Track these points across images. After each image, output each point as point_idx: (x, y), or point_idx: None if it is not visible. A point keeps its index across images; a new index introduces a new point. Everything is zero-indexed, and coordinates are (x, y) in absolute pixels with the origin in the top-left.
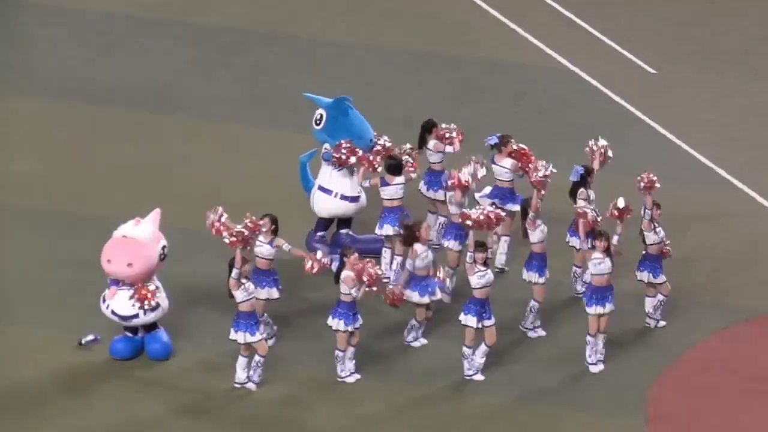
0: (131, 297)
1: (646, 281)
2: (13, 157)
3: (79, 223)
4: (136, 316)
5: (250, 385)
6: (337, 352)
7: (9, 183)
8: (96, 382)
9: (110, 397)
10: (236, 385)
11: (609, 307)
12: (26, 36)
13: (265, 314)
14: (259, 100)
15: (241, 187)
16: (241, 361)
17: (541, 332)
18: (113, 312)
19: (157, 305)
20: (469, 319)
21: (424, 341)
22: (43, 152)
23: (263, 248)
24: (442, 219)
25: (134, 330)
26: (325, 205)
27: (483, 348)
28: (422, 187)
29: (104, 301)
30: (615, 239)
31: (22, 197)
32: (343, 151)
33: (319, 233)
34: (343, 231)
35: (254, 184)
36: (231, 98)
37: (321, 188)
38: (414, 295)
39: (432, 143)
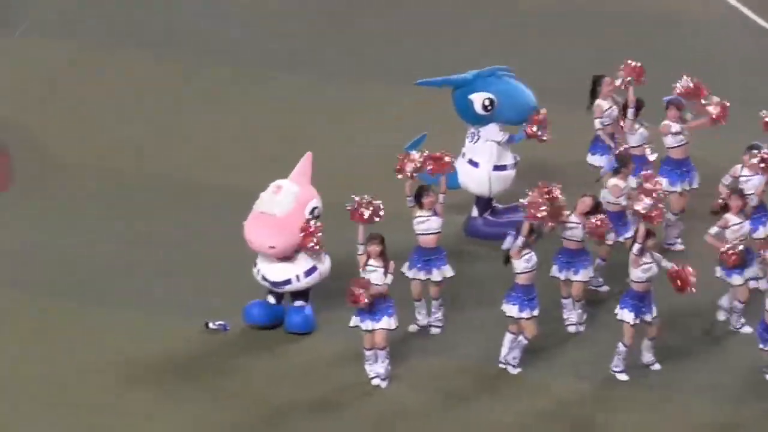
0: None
1: None
2: (127, 120)
3: (201, 191)
4: (288, 281)
5: (511, 369)
6: (517, 337)
7: (123, 147)
8: (218, 375)
9: (239, 387)
10: (504, 367)
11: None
12: None
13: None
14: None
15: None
16: (509, 337)
17: (747, 329)
18: (264, 278)
19: (313, 269)
20: (625, 314)
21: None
22: (158, 115)
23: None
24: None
25: (278, 296)
26: (502, 182)
27: (646, 342)
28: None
29: (255, 263)
30: None
31: (138, 163)
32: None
33: (487, 215)
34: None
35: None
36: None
37: (496, 167)
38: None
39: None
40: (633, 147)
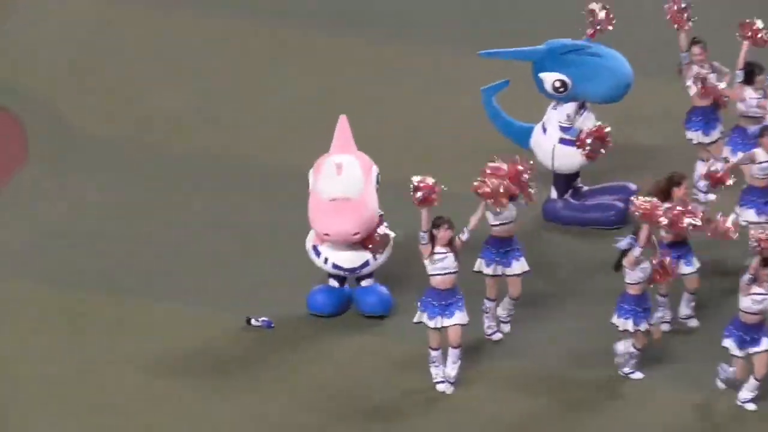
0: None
1: None
2: (164, 90)
3: (242, 169)
4: (367, 264)
5: (637, 375)
6: (622, 349)
7: (159, 119)
8: (265, 376)
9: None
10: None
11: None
12: None
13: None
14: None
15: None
16: (621, 346)
17: None
18: (336, 266)
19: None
20: (730, 344)
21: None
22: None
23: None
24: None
25: (341, 279)
26: (568, 159)
27: (753, 382)
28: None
29: (317, 252)
30: None
31: (174, 137)
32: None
33: (568, 197)
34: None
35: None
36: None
37: (564, 141)
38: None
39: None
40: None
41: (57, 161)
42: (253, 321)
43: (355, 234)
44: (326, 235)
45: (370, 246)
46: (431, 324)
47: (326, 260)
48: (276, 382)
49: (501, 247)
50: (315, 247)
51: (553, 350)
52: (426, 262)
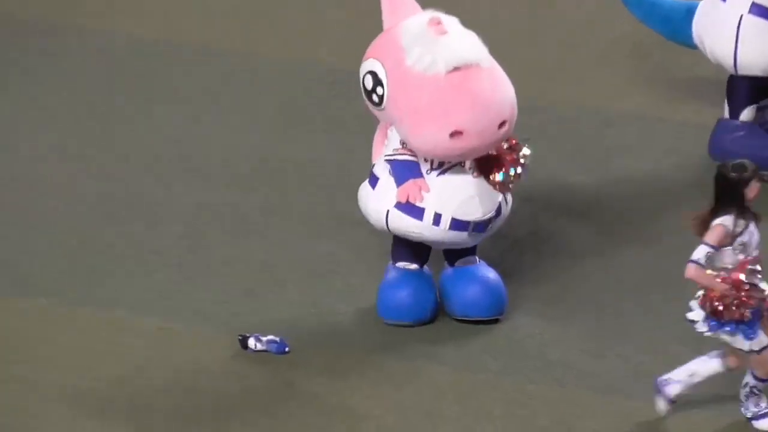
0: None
1: None
2: None
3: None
4: (499, 212)
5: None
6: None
7: None
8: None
9: None
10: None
11: None
12: None
13: None
14: None
15: None
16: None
17: None
18: (457, 222)
19: None
20: None
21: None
22: None
23: None
24: None
25: (421, 258)
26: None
27: None
28: None
29: (412, 210)
30: None
31: None
32: None
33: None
34: None
35: None
36: None
37: (758, 8)
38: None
39: None
40: None
41: None
42: (252, 343)
43: (502, 124)
44: (456, 135)
45: (503, 173)
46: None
47: (437, 217)
48: None
49: None
50: (407, 206)
51: None
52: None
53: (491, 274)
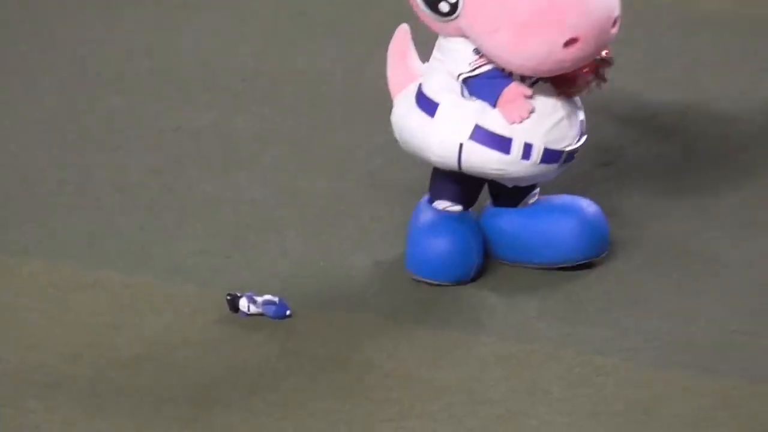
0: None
1: None
2: None
3: None
4: (580, 137)
5: None
6: None
7: None
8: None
9: None
10: None
11: None
12: None
13: None
14: None
15: None
16: None
17: None
18: (550, 153)
19: None
20: None
21: None
22: None
23: None
24: None
25: (467, 198)
26: None
27: None
28: None
29: (499, 141)
30: None
31: None
32: None
33: None
34: None
35: None
36: None
37: None
38: None
39: None
40: None
41: None
42: (244, 304)
43: (614, 23)
44: (571, 43)
45: (580, 86)
46: None
47: (527, 149)
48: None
49: None
50: (488, 136)
51: None
52: None
53: (583, 203)
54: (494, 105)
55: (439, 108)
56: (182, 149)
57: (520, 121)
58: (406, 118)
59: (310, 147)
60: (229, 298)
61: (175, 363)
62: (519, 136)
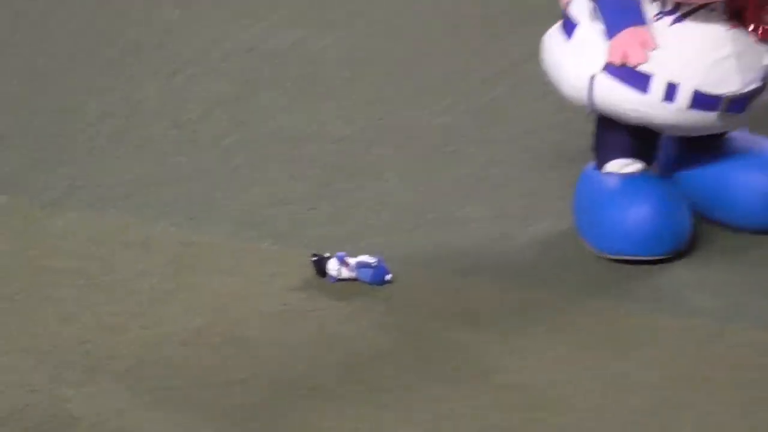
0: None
1: None
2: None
3: None
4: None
5: None
6: None
7: None
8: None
9: None
10: None
11: None
12: None
13: None
14: None
15: None
16: None
17: None
18: (702, 96)
19: None
20: None
21: None
22: None
23: None
24: None
25: (647, 152)
26: None
27: None
28: None
29: (638, 78)
30: None
31: None
32: None
33: None
34: None
35: None
36: None
37: None
38: None
39: None
40: None
41: None
42: (333, 267)
43: None
44: None
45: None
46: None
47: (670, 89)
48: None
49: None
50: (624, 69)
51: None
52: None
53: None
54: (610, 36)
55: (576, 30)
56: (255, 75)
57: (621, 63)
58: (550, 36)
59: (411, 73)
60: (314, 259)
61: (246, 339)
62: (661, 73)
